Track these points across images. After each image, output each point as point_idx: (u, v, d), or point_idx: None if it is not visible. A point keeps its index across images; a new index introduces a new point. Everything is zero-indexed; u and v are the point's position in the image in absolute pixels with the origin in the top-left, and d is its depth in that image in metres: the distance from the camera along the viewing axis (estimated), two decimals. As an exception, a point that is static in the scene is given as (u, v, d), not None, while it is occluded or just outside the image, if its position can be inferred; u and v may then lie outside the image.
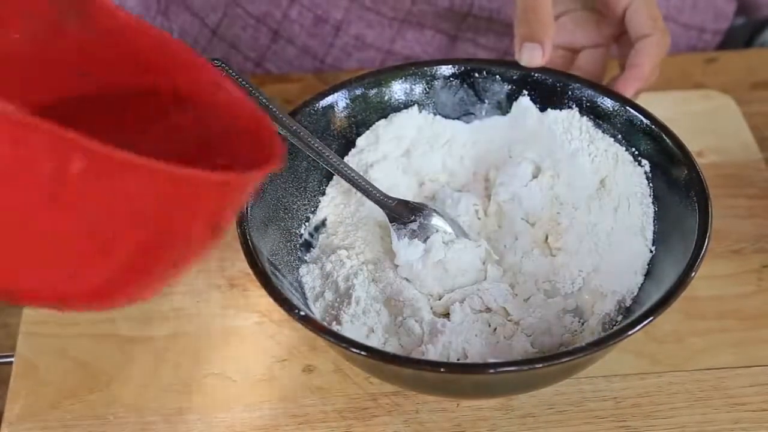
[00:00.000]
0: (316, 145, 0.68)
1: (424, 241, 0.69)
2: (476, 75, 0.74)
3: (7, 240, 0.41)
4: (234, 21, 0.95)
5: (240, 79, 0.69)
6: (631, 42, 0.74)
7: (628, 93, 0.72)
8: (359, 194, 0.71)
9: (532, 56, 0.71)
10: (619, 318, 0.67)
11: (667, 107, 0.78)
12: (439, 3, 0.92)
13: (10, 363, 0.71)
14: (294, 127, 0.68)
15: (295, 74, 0.96)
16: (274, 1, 0.94)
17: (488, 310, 0.68)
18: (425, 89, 0.74)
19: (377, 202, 0.69)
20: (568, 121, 0.73)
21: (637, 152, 0.71)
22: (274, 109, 0.68)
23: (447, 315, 0.68)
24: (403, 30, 0.95)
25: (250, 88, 0.69)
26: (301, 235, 0.71)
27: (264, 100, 0.68)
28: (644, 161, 0.70)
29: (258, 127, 0.50)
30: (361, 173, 0.71)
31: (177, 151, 0.50)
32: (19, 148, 0.38)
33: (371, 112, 0.74)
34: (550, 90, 0.73)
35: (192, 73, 0.52)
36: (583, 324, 0.67)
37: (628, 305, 0.67)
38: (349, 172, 0.69)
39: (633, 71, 0.72)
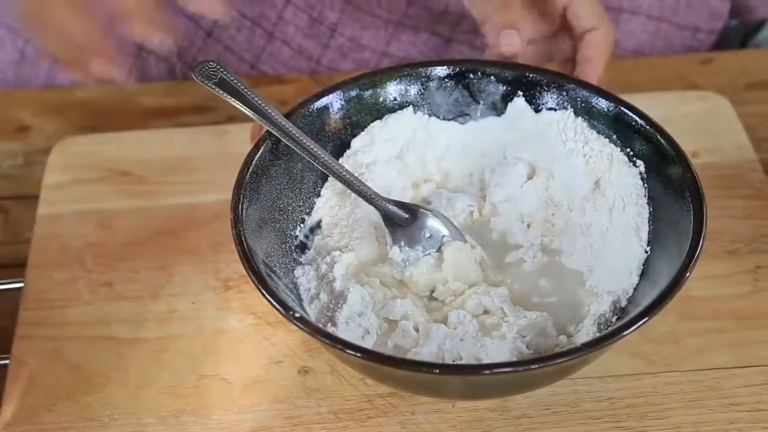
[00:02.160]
0: (310, 146, 0.68)
1: (420, 245, 0.69)
2: (471, 76, 0.74)
3: None
4: (229, 23, 0.95)
5: (235, 81, 0.69)
6: (571, 38, 0.76)
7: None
8: (354, 196, 0.71)
9: (511, 41, 0.72)
10: (614, 318, 0.67)
11: (662, 108, 0.78)
12: (434, 5, 0.92)
13: (6, 365, 0.71)
14: (289, 129, 0.68)
15: (290, 76, 0.96)
16: (269, 3, 0.94)
17: (485, 312, 0.67)
18: (420, 90, 0.74)
19: (372, 203, 0.69)
20: (563, 122, 0.73)
21: (632, 153, 0.71)
22: (269, 111, 0.68)
23: (444, 321, 0.68)
24: (399, 32, 0.95)
25: (245, 90, 0.69)
26: (297, 236, 0.71)
27: (259, 102, 0.68)
28: (639, 162, 0.71)
29: None
30: (357, 175, 0.71)
31: None
32: None
33: (366, 114, 0.74)
34: (545, 91, 0.73)
35: None
36: (578, 325, 0.67)
37: (623, 306, 0.67)
38: (344, 173, 0.69)
39: (586, 66, 0.73)
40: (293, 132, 0.68)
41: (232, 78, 0.69)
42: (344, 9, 0.94)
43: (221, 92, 0.68)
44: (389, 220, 0.70)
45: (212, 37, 0.96)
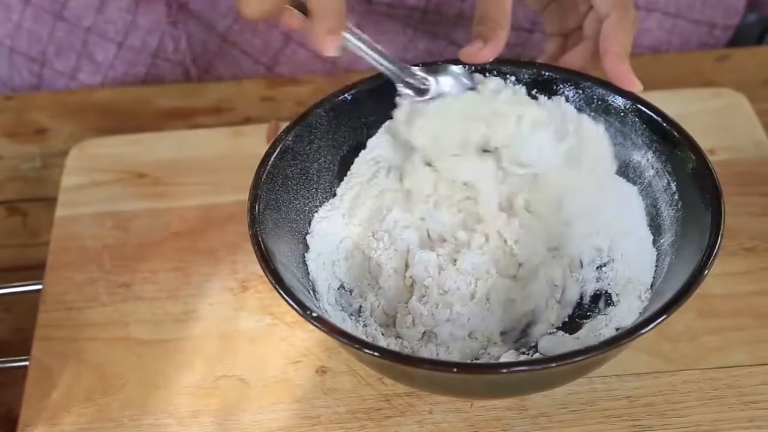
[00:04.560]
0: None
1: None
2: (487, 75, 0.74)
3: None
4: (245, 26, 0.95)
5: None
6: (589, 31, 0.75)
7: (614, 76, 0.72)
8: (370, 194, 0.71)
9: (471, 52, 0.72)
10: (633, 316, 0.67)
11: (678, 105, 0.78)
12: (449, 10, 0.92)
13: (25, 367, 0.71)
14: None
15: (305, 76, 0.96)
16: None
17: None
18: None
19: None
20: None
21: (648, 150, 0.71)
22: None
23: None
24: (416, 38, 0.95)
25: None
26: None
27: None
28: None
29: None
30: (372, 173, 0.71)
31: None
32: None
33: (382, 113, 0.74)
34: (560, 89, 0.73)
35: None
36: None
37: (641, 303, 0.67)
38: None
39: (608, 59, 0.72)
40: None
41: None
42: (364, 12, 0.93)
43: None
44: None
45: (227, 41, 0.97)
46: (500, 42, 0.71)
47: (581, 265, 0.70)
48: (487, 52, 0.71)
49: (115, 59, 0.97)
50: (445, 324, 0.67)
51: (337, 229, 0.71)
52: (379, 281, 0.70)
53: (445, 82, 0.70)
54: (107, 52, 0.97)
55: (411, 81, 0.69)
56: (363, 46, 0.67)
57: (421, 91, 0.69)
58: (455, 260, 0.70)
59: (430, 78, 0.70)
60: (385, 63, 0.68)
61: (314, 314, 0.60)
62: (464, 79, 0.71)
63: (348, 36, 0.66)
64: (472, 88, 0.70)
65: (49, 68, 0.97)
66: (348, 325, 0.67)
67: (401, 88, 0.69)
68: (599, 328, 0.66)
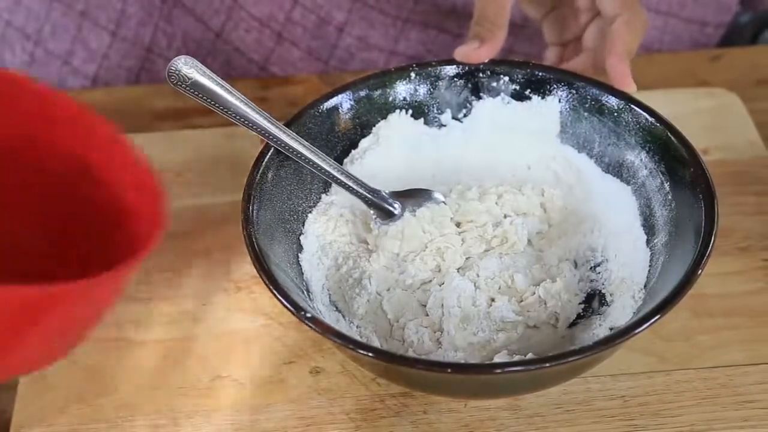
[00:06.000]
0: (284, 137, 0.68)
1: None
2: (480, 75, 0.74)
3: None
4: (237, 24, 0.95)
5: (212, 77, 0.66)
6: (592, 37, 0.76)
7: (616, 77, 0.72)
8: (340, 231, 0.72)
9: (466, 52, 0.72)
10: (627, 315, 0.67)
11: (672, 105, 0.78)
12: (442, 3, 0.92)
13: (18, 368, 0.71)
14: (258, 122, 0.67)
15: (299, 76, 0.96)
16: (277, 3, 0.94)
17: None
18: (429, 90, 0.74)
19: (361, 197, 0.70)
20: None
21: (642, 150, 0.71)
22: (237, 102, 0.67)
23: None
24: (407, 30, 0.95)
25: (220, 86, 0.66)
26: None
27: (232, 96, 0.67)
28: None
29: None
30: (361, 175, 0.71)
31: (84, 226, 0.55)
32: None
33: (375, 114, 0.74)
34: (554, 89, 0.73)
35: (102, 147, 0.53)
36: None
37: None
38: (327, 167, 0.69)
39: (611, 59, 0.72)
40: (263, 124, 0.67)
41: (208, 75, 0.66)
42: (352, 8, 0.94)
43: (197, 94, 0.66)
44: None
45: (221, 38, 0.97)
46: (497, 43, 0.72)
47: (576, 266, 0.70)
48: (483, 53, 0.72)
49: (109, 49, 0.97)
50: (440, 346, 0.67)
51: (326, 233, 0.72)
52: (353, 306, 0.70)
53: (413, 204, 0.71)
54: (101, 41, 0.97)
55: (382, 205, 0.70)
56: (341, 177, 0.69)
57: (390, 214, 0.71)
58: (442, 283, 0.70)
59: (397, 203, 0.71)
60: (357, 189, 0.70)
61: (308, 315, 0.60)
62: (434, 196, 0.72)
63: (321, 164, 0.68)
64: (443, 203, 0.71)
65: (42, 48, 0.97)
66: (342, 326, 0.67)
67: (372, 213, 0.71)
68: (593, 327, 0.66)
